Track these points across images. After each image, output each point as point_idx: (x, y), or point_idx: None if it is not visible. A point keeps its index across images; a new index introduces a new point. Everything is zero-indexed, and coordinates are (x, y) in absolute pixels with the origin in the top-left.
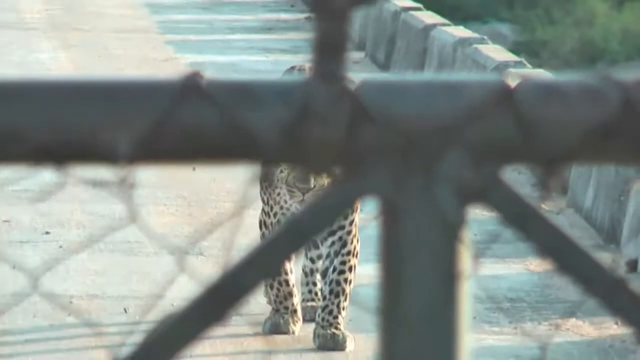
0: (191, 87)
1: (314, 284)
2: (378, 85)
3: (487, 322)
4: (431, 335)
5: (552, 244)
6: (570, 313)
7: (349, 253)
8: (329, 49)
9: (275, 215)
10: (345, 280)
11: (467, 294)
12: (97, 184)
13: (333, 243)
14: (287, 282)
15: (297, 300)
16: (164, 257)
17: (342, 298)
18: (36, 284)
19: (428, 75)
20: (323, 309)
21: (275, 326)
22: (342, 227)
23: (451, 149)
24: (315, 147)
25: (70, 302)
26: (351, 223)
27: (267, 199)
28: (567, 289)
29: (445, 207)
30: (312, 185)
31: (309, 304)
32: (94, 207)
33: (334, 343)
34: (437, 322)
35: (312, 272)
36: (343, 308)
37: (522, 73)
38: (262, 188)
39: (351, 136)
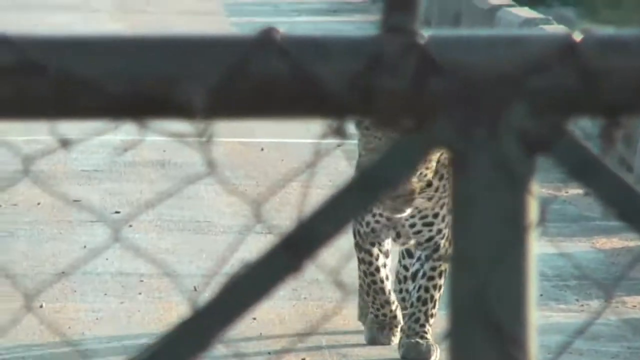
0: (265, 41)
1: (407, 292)
2: (446, 39)
3: (554, 300)
4: (499, 283)
5: (616, 196)
6: (637, 290)
7: (439, 258)
8: (400, 3)
9: (367, 224)
10: (435, 286)
11: (534, 243)
12: (176, 135)
13: (426, 248)
14: (382, 290)
15: (395, 307)
16: (232, 235)
17: (430, 305)
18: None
19: (494, 30)
20: (410, 316)
21: (373, 337)
22: (439, 231)
23: (516, 100)
24: (385, 98)
25: (141, 281)
26: (447, 225)
27: None
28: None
29: (511, 157)
30: (405, 214)
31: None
32: (163, 186)
33: (417, 352)
34: (505, 270)
35: (405, 279)
36: (431, 315)
37: (585, 28)
38: None
39: (419, 88)
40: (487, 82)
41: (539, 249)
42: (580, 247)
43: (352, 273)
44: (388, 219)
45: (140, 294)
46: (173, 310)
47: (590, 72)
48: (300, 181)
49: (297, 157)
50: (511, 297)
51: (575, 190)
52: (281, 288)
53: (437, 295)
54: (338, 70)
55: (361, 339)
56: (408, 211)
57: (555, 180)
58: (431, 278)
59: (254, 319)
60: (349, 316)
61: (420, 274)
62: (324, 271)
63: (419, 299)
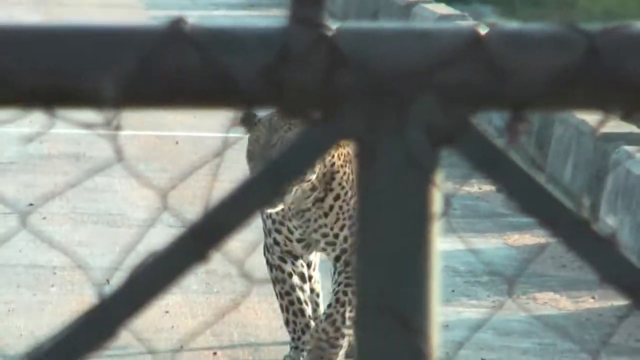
0: (175, 32)
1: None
2: (354, 32)
3: (465, 295)
4: (403, 275)
5: (520, 187)
6: (548, 287)
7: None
8: None
9: (270, 233)
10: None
11: (438, 235)
12: (85, 126)
13: (337, 264)
14: (302, 312)
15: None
16: (146, 228)
17: (348, 308)
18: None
19: (402, 23)
20: (326, 317)
21: None
22: (344, 251)
23: (423, 93)
24: (294, 90)
25: (54, 273)
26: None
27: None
28: (545, 263)
29: (417, 149)
30: (276, 209)
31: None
32: (77, 179)
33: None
34: (409, 262)
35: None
36: (349, 319)
37: (492, 22)
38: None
39: (328, 80)
40: (394, 75)
41: (451, 244)
42: (492, 243)
43: (262, 267)
44: (289, 229)
45: (53, 286)
46: (86, 303)
47: (496, 66)
48: (211, 174)
49: (212, 151)
50: (415, 290)
51: (488, 187)
52: (194, 282)
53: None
54: (247, 61)
55: (273, 332)
56: (280, 206)
57: (465, 176)
58: (347, 284)
59: (167, 312)
60: (260, 310)
61: (335, 285)
62: (233, 263)
63: (336, 301)
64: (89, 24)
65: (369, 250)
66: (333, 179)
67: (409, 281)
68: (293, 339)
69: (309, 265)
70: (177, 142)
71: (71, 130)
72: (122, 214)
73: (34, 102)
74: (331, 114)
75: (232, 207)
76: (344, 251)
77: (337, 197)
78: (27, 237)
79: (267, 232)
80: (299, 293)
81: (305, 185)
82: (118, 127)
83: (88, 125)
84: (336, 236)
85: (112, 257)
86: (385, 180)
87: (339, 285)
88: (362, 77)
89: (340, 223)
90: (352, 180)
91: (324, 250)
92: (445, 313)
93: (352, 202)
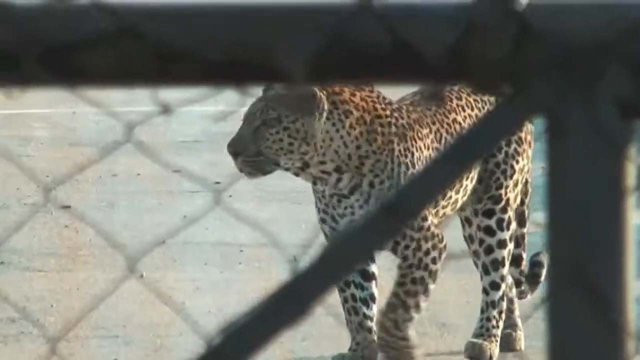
0: (363, 8)
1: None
2: (543, 6)
3: None
4: (596, 248)
5: None
6: None
7: (411, 266)
8: None
9: (321, 222)
10: (407, 292)
11: (632, 209)
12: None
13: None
14: (355, 311)
15: (372, 338)
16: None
17: (399, 312)
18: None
19: None
20: (380, 324)
21: None
22: (397, 243)
23: (612, 65)
24: (481, 65)
25: (241, 251)
26: (409, 236)
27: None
28: None
29: (608, 122)
30: (253, 177)
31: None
32: None
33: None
34: (602, 236)
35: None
36: (404, 321)
37: None
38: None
39: (517, 54)
40: (584, 48)
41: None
42: None
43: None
44: (333, 218)
45: (240, 263)
46: (273, 281)
47: None
48: None
49: None
50: (609, 263)
51: None
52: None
53: (411, 303)
54: (435, 36)
55: (460, 309)
56: (259, 175)
57: None
58: (402, 284)
59: None
60: (449, 287)
61: (394, 282)
62: None
63: (388, 305)
64: (277, 2)
65: (561, 225)
66: (362, 164)
67: (603, 256)
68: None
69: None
70: None
71: None
72: (307, 191)
73: (224, 79)
74: (520, 88)
75: (422, 183)
76: (397, 244)
77: (371, 184)
78: (214, 215)
79: (320, 222)
80: (354, 290)
81: (320, 167)
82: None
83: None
84: None
85: (299, 235)
86: (576, 154)
87: (395, 285)
88: (551, 50)
89: None
90: (390, 167)
91: None
92: None
93: (391, 190)
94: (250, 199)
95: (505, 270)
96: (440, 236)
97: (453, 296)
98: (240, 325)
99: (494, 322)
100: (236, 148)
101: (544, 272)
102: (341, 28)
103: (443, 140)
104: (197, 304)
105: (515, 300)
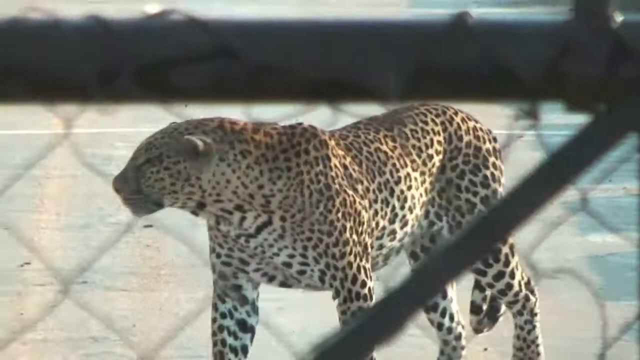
0: (457, 26)
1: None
2: (637, 23)
3: None
4: None
5: None
6: None
7: (345, 300)
8: None
9: (213, 268)
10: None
11: None
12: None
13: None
14: (221, 357)
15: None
16: None
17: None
18: None
19: None
20: None
21: None
22: (323, 273)
23: None
24: (576, 83)
25: None
26: (328, 265)
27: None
28: None
29: None
30: (137, 215)
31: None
32: None
33: None
34: None
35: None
36: None
37: None
38: None
39: (612, 72)
40: None
41: None
42: None
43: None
44: (241, 260)
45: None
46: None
47: None
48: None
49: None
50: None
51: None
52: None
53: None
54: (529, 54)
55: (551, 327)
56: (142, 214)
57: None
58: (345, 322)
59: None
60: (543, 306)
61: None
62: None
63: None
64: (370, 19)
65: None
66: (269, 202)
67: None
68: None
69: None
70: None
71: None
72: None
73: (318, 96)
74: (614, 107)
75: (516, 201)
76: (323, 273)
77: (282, 219)
78: None
79: (212, 268)
80: (226, 336)
81: (219, 205)
82: None
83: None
84: (304, 256)
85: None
86: None
87: (341, 325)
88: None
89: (300, 244)
90: (301, 201)
91: (302, 273)
92: None
93: (306, 223)
94: None
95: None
96: (369, 260)
97: (545, 315)
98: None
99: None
100: (117, 185)
101: (503, 308)
102: (435, 46)
103: (364, 166)
104: (281, 324)
105: (461, 352)
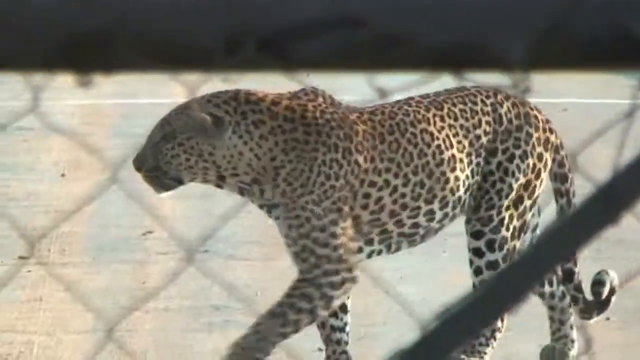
0: None
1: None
2: None
3: None
4: None
5: None
6: None
7: (303, 280)
8: None
9: None
10: (291, 306)
11: None
12: (494, 88)
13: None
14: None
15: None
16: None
17: (277, 321)
18: None
19: None
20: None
21: None
22: (303, 248)
23: None
24: None
25: (445, 240)
26: (313, 241)
27: None
28: None
29: None
30: (162, 194)
31: None
32: None
33: None
34: None
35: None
36: (279, 335)
37: None
38: None
39: None
40: None
41: None
42: None
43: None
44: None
45: (444, 252)
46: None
47: None
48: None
49: (601, 118)
50: None
51: None
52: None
53: (291, 317)
54: None
55: None
56: (164, 193)
57: None
58: (289, 296)
59: None
60: None
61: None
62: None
63: (268, 311)
64: None
65: None
66: (278, 174)
67: None
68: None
69: None
70: (565, 109)
71: None
72: None
73: (443, 65)
74: None
75: (638, 170)
76: (296, 256)
77: (283, 193)
78: None
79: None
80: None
81: (236, 178)
82: (526, 90)
83: (495, 88)
84: (287, 236)
85: None
86: None
87: (283, 295)
88: None
89: (286, 222)
90: (307, 176)
91: (288, 246)
92: None
93: (301, 200)
94: None
95: None
96: (349, 263)
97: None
98: (456, 312)
99: (482, 339)
100: (137, 163)
101: (605, 290)
102: (563, 15)
103: (401, 151)
104: (402, 293)
105: (569, 311)
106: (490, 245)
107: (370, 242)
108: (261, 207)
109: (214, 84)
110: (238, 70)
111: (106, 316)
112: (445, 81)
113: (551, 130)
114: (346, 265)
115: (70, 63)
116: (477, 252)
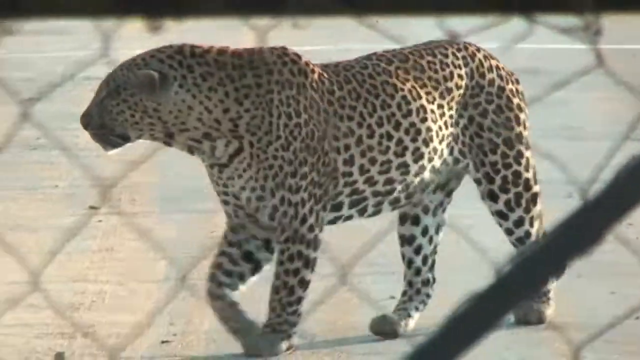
0: None
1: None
2: None
3: None
4: None
5: None
6: None
7: (287, 239)
8: None
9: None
10: (287, 272)
11: None
12: (565, 31)
13: (273, 229)
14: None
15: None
16: (603, 142)
17: (283, 293)
18: None
19: None
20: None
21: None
22: (275, 208)
23: None
24: None
25: None
26: (287, 201)
27: None
28: None
29: None
30: (108, 151)
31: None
32: (531, 93)
33: (264, 347)
34: None
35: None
36: (288, 304)
37: None
38: None
39: None
40: None
41: None
42: None
43: None
44: (225, 192)
45: None
46: (548, 215)
47: None
48: None
49: None
50: None
51: None
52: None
53: (292, 282)
54: None
55: None
56: (112, 151)
57: None
58: (281, 263)
59: None
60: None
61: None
62: None
63: (272, 287)
64: None
65: None
66: (237, 125)
67: None
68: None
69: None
70: (634, 55)
71: (531, 46)
72: (581, 127)
73: (512, 7)
74: None
75: None
76: (275, 209)
77: (251, 144)
78: None
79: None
80: (224, 260)
81: (186, 134)
82: (598, 33)
83: (566, 31)
84: (263, 188)
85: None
86: None
87: (276, 265)
88: None
89: (262, 173)
90: (269, 121)
91: (256, 210)
92: None
93: (271, 148)
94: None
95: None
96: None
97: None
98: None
99: (550, 286)
100: (83, 120)
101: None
102: None
103: (362, 100)
104: (472, 241)
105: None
106: (508, 205)
107: (339, 206)
108: (212, 167)
109: (283, 29)
110: (307, 15)
111: (178, 265)
112: (515, 23)
113: (517, 81)
114: (324, 211)
115: (141, 8)
116: (500, 215)
